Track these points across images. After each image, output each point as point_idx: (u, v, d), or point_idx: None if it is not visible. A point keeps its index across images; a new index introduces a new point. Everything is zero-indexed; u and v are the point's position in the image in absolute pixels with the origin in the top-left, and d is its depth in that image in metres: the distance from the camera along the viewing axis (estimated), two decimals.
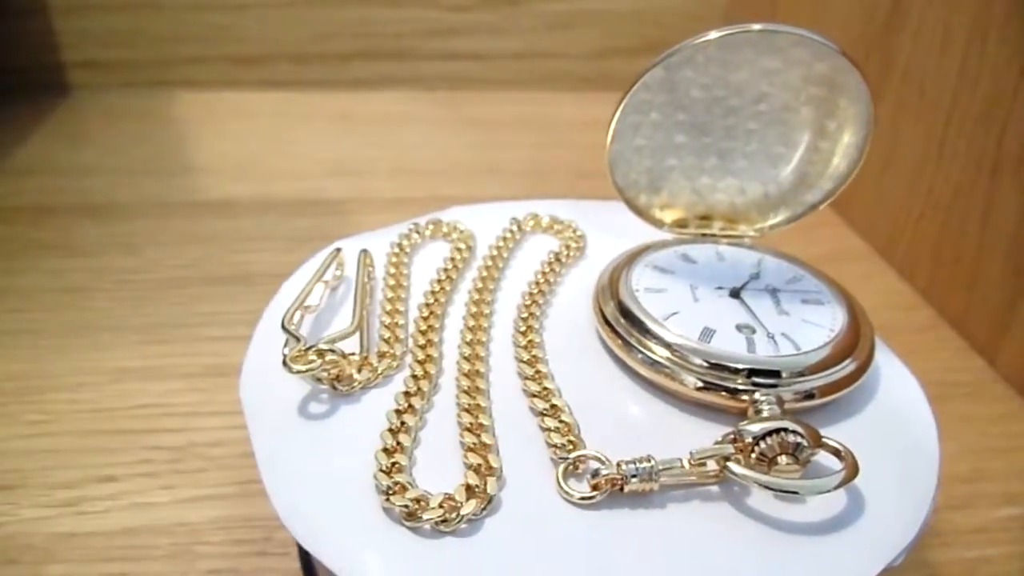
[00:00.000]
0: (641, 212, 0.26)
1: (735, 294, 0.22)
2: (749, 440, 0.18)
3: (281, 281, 0.25)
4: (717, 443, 0.18)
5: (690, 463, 0.18)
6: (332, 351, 0.20)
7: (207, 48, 0.64)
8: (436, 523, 0.16)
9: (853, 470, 0.17)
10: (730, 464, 0.17)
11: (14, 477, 0.28)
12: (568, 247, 0.27)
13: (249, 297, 0.39)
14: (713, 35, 0.22)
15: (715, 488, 0.18)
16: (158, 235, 0.44)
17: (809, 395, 0.19)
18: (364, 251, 0.25)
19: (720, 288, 0.23)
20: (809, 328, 0.21)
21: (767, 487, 0.17)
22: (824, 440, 0.18)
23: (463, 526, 0.16)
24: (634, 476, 0.17)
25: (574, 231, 0.28)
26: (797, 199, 0.26)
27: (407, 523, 0.16)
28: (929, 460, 0.19)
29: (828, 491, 0.17)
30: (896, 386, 0.21)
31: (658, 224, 0.26)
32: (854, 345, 0.20)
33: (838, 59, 0.22)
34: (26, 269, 0.41)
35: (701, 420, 0.20)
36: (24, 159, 0.53)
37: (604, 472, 0.17)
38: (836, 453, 0.18)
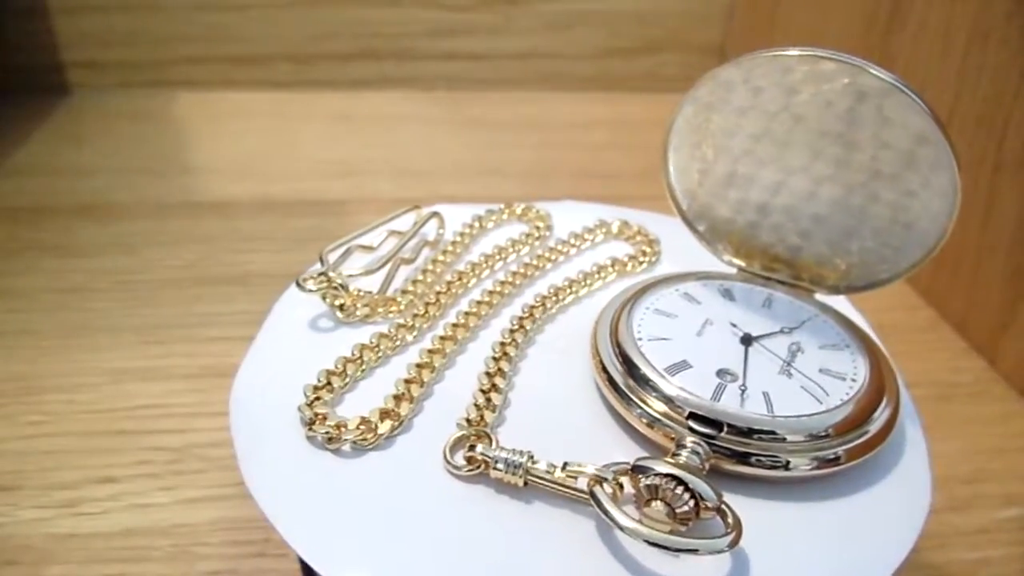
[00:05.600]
0: (703, 240, 0.25)
1: (747, 341, 0.21)
2: (644, 477, 0.17)
3: (281, 281, 0.25)
4: (604, 466, 0.17)
5: (563, 472, 0.17)
6: (342, 284, 0.23)
7: (207, 48, 0.64)
8: (326, 438, 0.19)
9: (738, 536, 0.16)
10: (597, 491, 0.17)
11: (13, 478, 0.28)
12: (632, 258, 0.27)
13: (248, 298, 0.39)
14: (793, 52, 0.20)
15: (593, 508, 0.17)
16: (157, 235, 0.44)
17: (745, 459, 0.18)
18: (435, 212, 0.27)
19: (736, 331, 0.21)
20: (802, 397, 0.19)
21: (643, 538, 0.16)
22: (721, 506, 0.16)
23: (346, 449, 0.19)
24: (500, 464, 0.18)
25: (652, 244, 0.27)
26: (878, 263, 0.22)
27: (306, 431, 0.19)
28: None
29: (716, 552, 0.16)
30: (895, 492, 0.19)
31: (720, 254, 0.25)
32: (849, 429, 0.18)
33: (902, 96, 0.20)
34: (25, 269, 0.41)
35: (641, 448, 0.19)
36: (24, 159, 0.53)
37: (480, 451, 0.18)
38: (723, 516, 0.16)
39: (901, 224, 0.22)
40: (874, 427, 0.19)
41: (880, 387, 0.20)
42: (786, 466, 0.18)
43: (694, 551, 0.16)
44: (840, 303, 0.24)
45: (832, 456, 0.18)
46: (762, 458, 0.18)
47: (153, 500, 0.28)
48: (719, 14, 0.67)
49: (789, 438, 0.18)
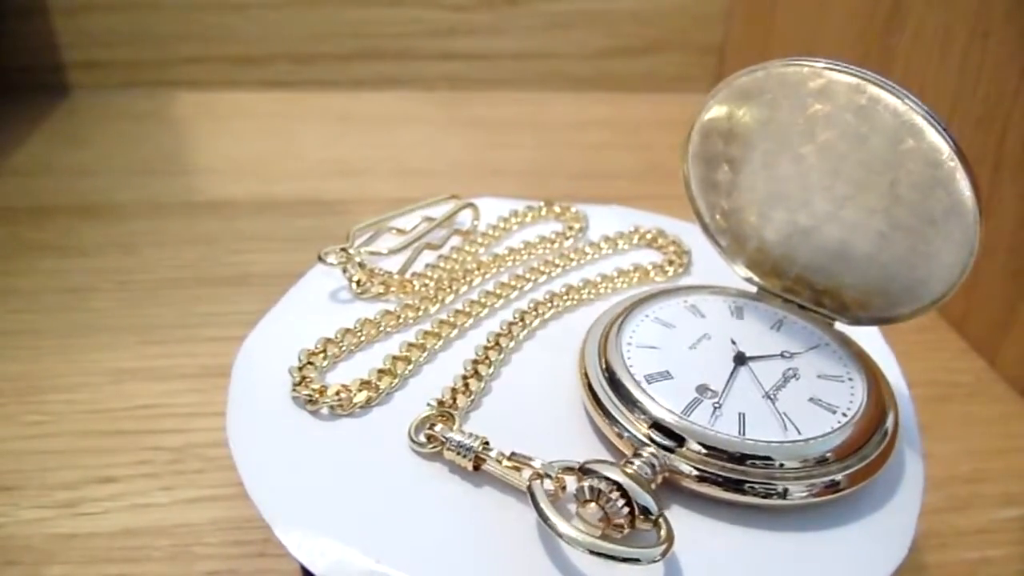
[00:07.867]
0: (725, 255, 0.24)
1: (740, 360, 0.20)
2: (588, 479, 0.16)
3: (281, 281, 0.25)
4: (551, 461, 0.17)
5: (510, 461, 0.18)
6: (360, 262, 0.24)
7: (207, 48, 0.64)
8: (307, 399, 0.20)
9: (669, 547, 0.16)
10: (535, 487, 0.17)
11: (13, 478, 0.28)
12: (657, 266, 0.26)
13: (248, 298, 0.39)
14: (818, 64, 0.19)
15: None
16: (157, 235, 0.44)
17: (705, 479, 0.17)
18: (471, 204, 0.28)
19: (733, 349, 0.21)
20: (778, 422, 0.18)
21: (579, 545, 0.15)
22: (659, 519, 0.16)
23: (324, 412, 0.20)
24: (452, 445, 0.18)
25: (681, 255, 0.27)
26: (900, 293, 0.21)
27: (292, 391, 0.20)
28: None
29: (651, 561, 0.15)
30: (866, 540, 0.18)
31: (740, 271, 0.24)
32: (838, 459, 0.18)
33: (919, 118, 0.19)
34: (25, 270, 0.41)
35: (607, 452, 0.19)
36: (24, 159, 0.53)
37: (439, 430, 0.18)
38: (657, 528, 0.16)
39: (922, 254, 0.20)
40: (854, 467, 0.18)
41: (870, 426, 0.19)
42: (784, 494, 0.17)
43: (636, 560, 0.15)
44: (861, 328, 0.23)
45: (826, 484, 0.18)
46: (755, 485, 0.17)
47: (153, 500, 0.28)
48: (719, 14, 0.67)
49: (785, 464, 0.18)
